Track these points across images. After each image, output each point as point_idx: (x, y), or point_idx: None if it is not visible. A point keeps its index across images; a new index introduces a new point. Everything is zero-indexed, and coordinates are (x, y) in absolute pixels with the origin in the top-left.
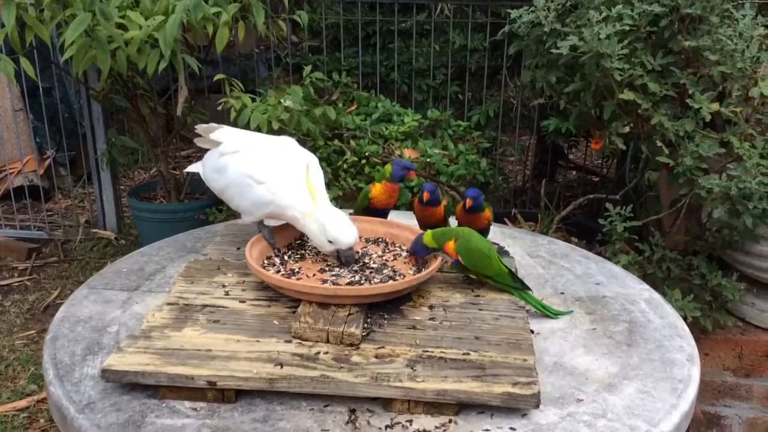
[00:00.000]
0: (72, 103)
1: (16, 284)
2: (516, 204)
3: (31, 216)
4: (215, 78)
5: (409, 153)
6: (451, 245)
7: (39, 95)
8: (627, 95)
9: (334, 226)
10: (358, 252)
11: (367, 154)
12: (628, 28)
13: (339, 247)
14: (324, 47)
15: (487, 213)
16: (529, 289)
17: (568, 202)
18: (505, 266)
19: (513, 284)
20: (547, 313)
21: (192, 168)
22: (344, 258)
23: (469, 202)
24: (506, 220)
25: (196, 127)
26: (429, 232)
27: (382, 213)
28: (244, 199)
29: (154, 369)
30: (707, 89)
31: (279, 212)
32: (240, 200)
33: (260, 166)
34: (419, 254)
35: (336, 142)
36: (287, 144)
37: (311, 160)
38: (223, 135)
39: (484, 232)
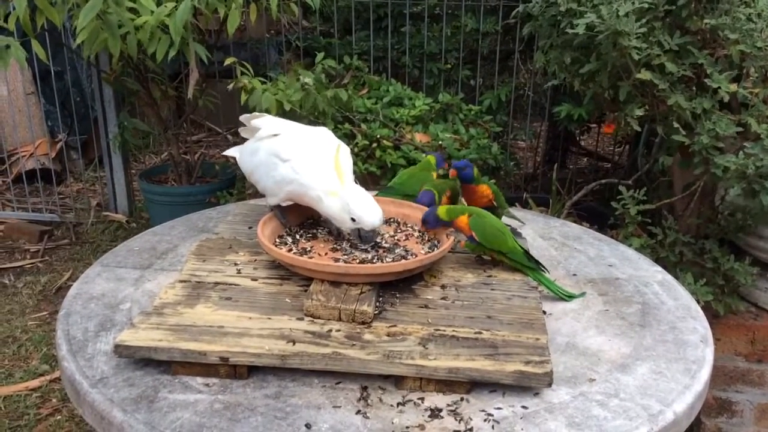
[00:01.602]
0: (84, 87)
1: (29, 266)
2: (527, 189)
3: (43, 199)
4: (226, 62)
5: (420, 137)
6: (463, 219)
7: (51, 79)
8: (644, 75)
9: (359, 205)
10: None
11: (378, 137)
12: (646, 6)
13: (362, 226)
14: (335, 31)
15: (485, 189)
16: (545, 269)
17: (580, 188)
18: (520, 246)
19: (527, 263)
20: (560, 294)
21: (229, 152)
22: (364, 237)
23: (453, 173)
24: (517, 204)
25: (241, 117)
26: (444, 206)
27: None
28: (269, 178)
29: (167, 345)
30: (724, 70)
31: (301, 192)
32: (266, 180)
33: (287, 145)
34: (430, 225)
35: (347, 125)
36: (323, 132)
37: (342, 145)
38: (263, 122)
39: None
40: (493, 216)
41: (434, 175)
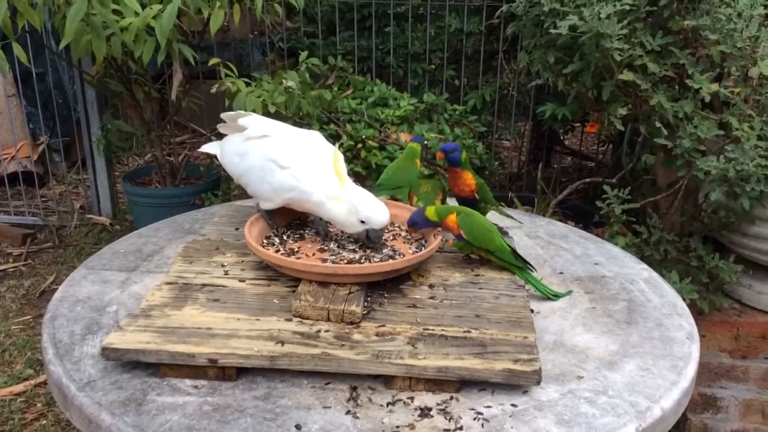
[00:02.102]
0: (66, 89)
1: (11, 270)
2: (512, 189)
3: (26, 202)
4: (210, 62)
5: (405, 137)
6: (453, 218)
7: (32, 81)
8: (626, 76)
9: (367, 206)
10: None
11: (363, 137)
12: (627, 7)
13: (372, 226)
14: (319, 32)
15: (468, 177)
16: (532, 268)
17: (564, 187)
18: (507, 245)
19: (515, 262)
20: (547, 294)
21: (207, 148)
22: (374, 237)
23: (439, 155)
24: (502, 204)
25: (222, 114)
26: (432, 206)
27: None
28: (265, 183)
29: (155, 347)
30: (706, 70)
31: (301, 198)
32: (260, 185)
33: (284, 151)
34: (419, 225)
35: (332, 126)
36: (314, 136)
37: (336, 149)
38: (250, 121)
39: (468, 203)
40: (480, 215)
41: (417, 162)
